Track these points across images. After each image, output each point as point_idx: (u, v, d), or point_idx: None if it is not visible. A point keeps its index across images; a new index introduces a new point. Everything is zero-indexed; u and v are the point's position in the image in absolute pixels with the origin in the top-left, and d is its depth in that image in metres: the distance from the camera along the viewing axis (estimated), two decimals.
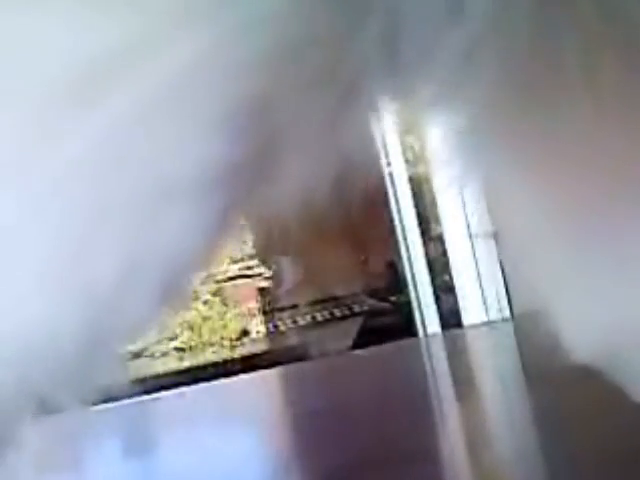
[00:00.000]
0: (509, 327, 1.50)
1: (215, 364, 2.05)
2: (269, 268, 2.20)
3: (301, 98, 0.26)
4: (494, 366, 1.01)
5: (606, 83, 0.29)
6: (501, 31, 0.26)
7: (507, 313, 1.64)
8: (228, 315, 2.24)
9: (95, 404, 0.29)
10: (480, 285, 1.69)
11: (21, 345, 0.25)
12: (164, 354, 2.04)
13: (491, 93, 0.28)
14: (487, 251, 1.69)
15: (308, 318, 2.61)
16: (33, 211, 0.25)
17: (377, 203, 1.77)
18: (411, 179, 1.79)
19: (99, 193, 0.25)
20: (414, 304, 1.84)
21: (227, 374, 1.40)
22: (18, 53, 0.25)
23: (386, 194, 1.76)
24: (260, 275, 2.23)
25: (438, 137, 0.34)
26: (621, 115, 0.31)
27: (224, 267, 2.05)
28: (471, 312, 1.69)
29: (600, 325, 0.35)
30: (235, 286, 2.21)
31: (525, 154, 0.34)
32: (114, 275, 0.25)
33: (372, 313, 2.56)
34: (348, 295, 2.61)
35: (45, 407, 0.27)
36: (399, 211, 1.81)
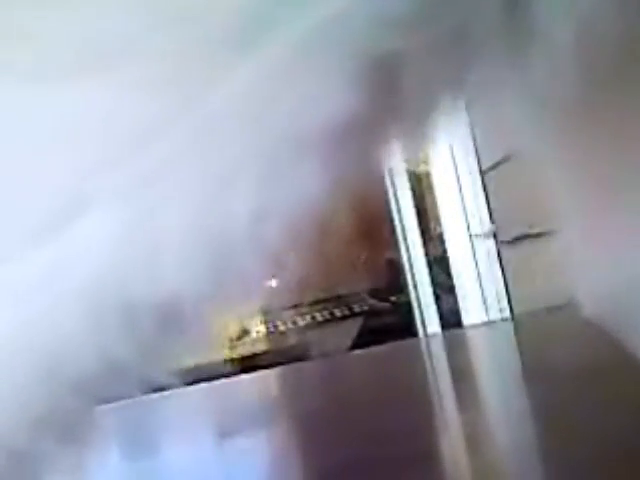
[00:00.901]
0: (509, 327, 1.50)
1: (215, 364, 2.05)
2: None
3: (430, 58, 0.26)
4: (494, 366, 1.01)
5: None
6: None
7: (507, 313, 1.64)
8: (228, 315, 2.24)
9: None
10: (480, 285, 1.69)
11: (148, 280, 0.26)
12: None
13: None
14: (487, 251, 1.69)
15: (308, 318, 2.62)
16: (181, 152, 0.26)
17: (377, 203, 1.78)
18: (411, 178, 1.80)
19: (240, 141, 0.26)
20: (414, 304, 1.84)
21: (227, 374, 1.40)
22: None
23: (386, 194, 1.76)
24: None
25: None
26: None
27: None
28: (471, 312, 1.69)
29: (607, 282, 0.36)
30: None
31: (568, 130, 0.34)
32: (245, 221, 0.26)
33: (372, 313, 2.57)
34: (348, 295, 2.62)
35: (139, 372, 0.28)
36: (399, 211, 1.81)
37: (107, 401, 0.28)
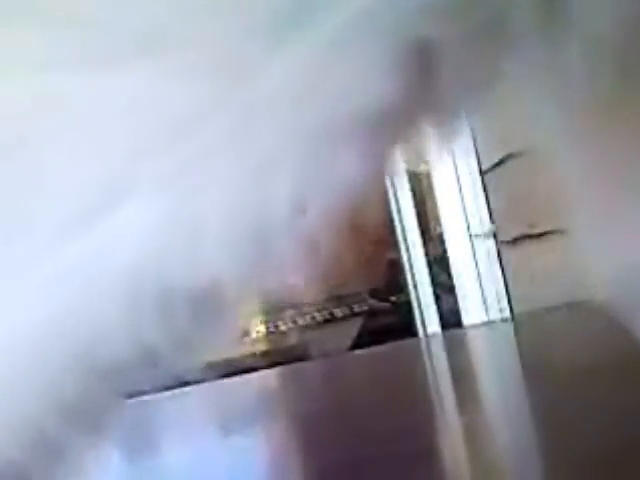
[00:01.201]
0: (509, 327, 1.50)
1: (215, 364, 2.05)
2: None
3: (465, 49, 0.26)
4: (494, 366, 1.01)
5: None
6: None
7: (507, 313, 1.64)
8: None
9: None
10: (480, 285, 1.69)
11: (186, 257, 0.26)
12: None
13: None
14: (487, 251, 1.69)
15: (308, 318, 2.62)
16: (220, 140, 0.26)
17: (377, 203, 1.78)
18: (411, 178, 1.80)
19: (278, 130, 0.26)
20: (414, 304, 1.84)
21: (228, 374, 1.40)
22: None
23: (386, 194, 1.76)
24: None
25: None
26: None
27: None
28: (471, 312, 1.69)
29: (616, 266, 0.36)
30: None
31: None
32: (283, 208, 0.26)
33: (372, 313, 2.57)
34: (348, 295, 2.62)
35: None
36: (399, 211, 1.81)
37: (132, 394, 0.28)
